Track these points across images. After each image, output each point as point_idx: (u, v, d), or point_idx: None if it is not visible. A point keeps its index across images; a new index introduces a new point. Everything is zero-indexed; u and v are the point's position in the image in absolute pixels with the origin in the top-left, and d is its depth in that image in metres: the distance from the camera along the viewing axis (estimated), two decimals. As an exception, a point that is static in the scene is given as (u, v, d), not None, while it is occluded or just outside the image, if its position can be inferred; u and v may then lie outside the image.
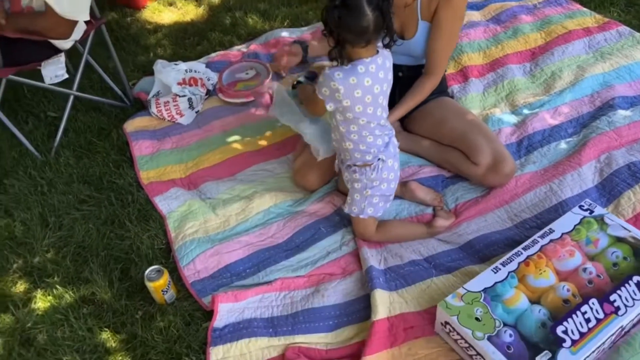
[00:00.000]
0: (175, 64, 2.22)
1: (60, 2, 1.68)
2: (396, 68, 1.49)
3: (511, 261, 1.41)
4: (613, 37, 2.33)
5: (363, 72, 1.34)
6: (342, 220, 1.69)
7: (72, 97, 2.05)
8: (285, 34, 2.58)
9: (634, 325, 1.32)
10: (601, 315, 1.27)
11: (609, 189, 1.70)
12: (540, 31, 2.41)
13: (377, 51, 1.37)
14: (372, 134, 1.44)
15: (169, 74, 2.11)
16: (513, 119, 2.01)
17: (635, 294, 1.30)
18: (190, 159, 1.97)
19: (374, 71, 1.36)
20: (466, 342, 1.28)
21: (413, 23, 1.65)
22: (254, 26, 2.71)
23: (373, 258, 1.55)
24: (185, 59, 2.48)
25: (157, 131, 2.09)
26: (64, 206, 1.81)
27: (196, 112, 2.14)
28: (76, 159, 1.98)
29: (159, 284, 1.46)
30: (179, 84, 2.11)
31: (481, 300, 1.33)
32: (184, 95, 2.08)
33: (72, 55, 1.99)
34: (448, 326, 1.32)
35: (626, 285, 1.32)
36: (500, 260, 1.41)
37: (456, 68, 2.25)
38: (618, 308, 1.28)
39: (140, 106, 2.24)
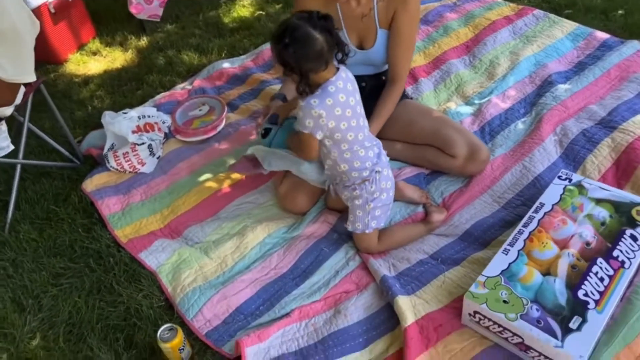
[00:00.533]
0: (125, 113, 2.11)
1: (3, 68, 1.54)
2: (359, 79, 1.52)
3: (517, 240, 1.47)
4: (531, 21, 2.53)
5: (334, 91, 1.37)
6: (341, 236, 1.68)
7: (19, 167, 1.88)
8: (226, 64, 2.55)
9: (635, 275, 1.42)
10: (611, 272, 1.36)
11: (572, 157, 1.84)
12: (467, 26, 2.57)
13: (337, 68, 1.40)
14: (362, 147, 1.46)
15: (121, 123, 2.00)
16: (469, 109, 2.12)
17: (633, 246, 1.41)
18: (165, 207, 1.88)
19: (343, 86, 1.39)
20: (500, 326, 1.31)
21: (372, 32, 1.70)
22: (191, 62, 2.65)
23: (382, 267, 1.55)
24: (129, 106, 2.37)
25: (119, 185, 1.97)
26: (38, 285, 1.64)
27: (157, 158, 2.04)
28: (38, 232, 1.81)
29: (175, 343, 1.36)
30: (134, 132, 2.01)
31: (502, 282, 1.37)
32: (143, 143, 1.98)
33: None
34: (477, 315, 1.35)
35: (622, 239, 1.43)
36: (507, 241, 1.47)
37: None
38: (623, 262, 1.37)
39: (93, 162, 2.10)
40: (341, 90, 1.38)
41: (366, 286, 1.54)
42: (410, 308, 1.42)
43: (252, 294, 1.55)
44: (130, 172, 1.99)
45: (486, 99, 2.13)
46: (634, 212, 1.49)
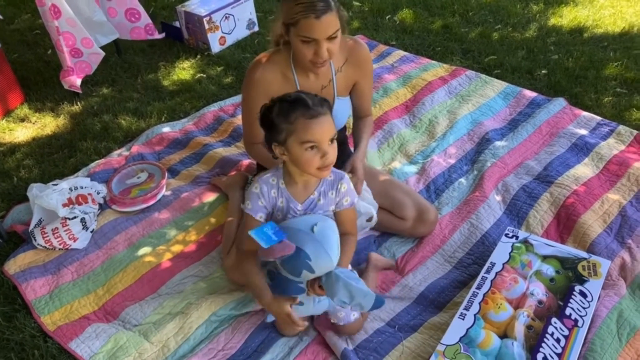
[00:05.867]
0: (54, 184, 1.96)
1: None
2: None
3: (472, 303, 1.45)
4: (464, 81, 2.65)
5: None
6: (293, 309, 1.59)
7: None
8: (166, 129, 2.47)
9: (588, 332, 1.42)
10: (566, 332, 1.35)
11: (515, 212, 1.88)
12: (405, 86, 2.65)
13: None
14: None
15: (50, 197, 1.86)
16: (413, 168, 2.14)
17: (583, 303, 1.42)
18: (100, 286, 1.72)
19: None
20: (463, 398, 1.26)
21: (330, 101, 1.70)
22: (129, 127, 2.55)
23: (341, 339, 1.47)
24: (60, 175, 2.22)
25: (48, 264, 1.80)
26: (-54, 389, 1.43)
27: (91, 232, 1.90)
28: (-51, 325, 1.60)
29: None
30: (64, 205, 1.86)
31: (462, 351, 1.33)
32: (75, 217, 1.83)
33: None
34: (440, 388, 1.29)
35: (572, 296, 1.44)
36: (463, 305, 1.45)
37: (348, 132, 2.35)
38: (576, 320, 1.38)
39: (18, 240, 1.92)
40: None
41: (323, 362, 1.45)
42: (370, 384, 1.35)
43: (199, 381, 1.42)
44: (60, 249, 1.83)
45: (429, 158, 2.17)
46: (580, 268, 1.52)
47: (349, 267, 1.40)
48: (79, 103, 2.75)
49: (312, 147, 1.24)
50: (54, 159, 2.37)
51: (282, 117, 1.24)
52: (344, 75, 1.68)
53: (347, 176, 1.40)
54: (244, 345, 1.50)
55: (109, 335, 1.53)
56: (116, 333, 1.53)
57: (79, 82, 2.62)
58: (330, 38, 1.45)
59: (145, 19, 2.90)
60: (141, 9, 2.88)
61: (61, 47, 2.52)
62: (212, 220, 1.95)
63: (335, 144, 1.28)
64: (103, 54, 2.65)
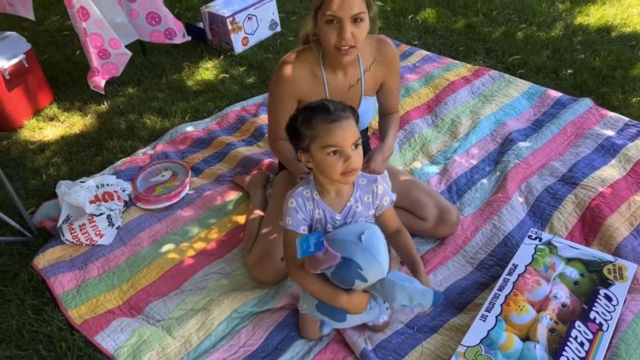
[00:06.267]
0: (82, 182, 2.01)
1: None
2: None
3: (493, 305, 1.44)
4: (488, 81, 2.63)
5: None
6: (314, 307, 1.60)
7: (-38, 244, 1.74)
8: (190, 128, 2.51)
9: (613, 337, 1.40)
10: (590, 336, 1.33)
11: (539, 214, 1.85)
12: (427, 86, 2.64)
13: None
14: None
15: (78, 193, 1.91)
16: (435, 168, 2.13)
17: (608, 307, 1.39)
18: (124, 281, 1.76)
19: None
20: (484, 400, 1.25)
21: (356, 101, 1.70)
22: (154, 126, 2.60)
23: (360, 339, 1.48)
24: (87, 173, 2.27)
25: (75, 259, 1.85)
26: (-22, 378, 1.48)
27: (116, 229, 1.94)
28: (-19, 316, 1.65)
29: None
30: (91, 202, 1.91)
31: (483, 352, 1.32)
32: (102, 213, 1.88)
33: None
34: (460, 389, 1.28)
35: (597, 300, 1.41)
36: (484, 307, 1.44)
37: (370, 132, 2.35)
38: (601, 324, 1.35)
39: (47, 236, 1.98)
40: None
41: (342, 361, 1.45)
42: (390, 384, 1.35)
43: (220, 376, 1.44)
44: (86, 244, 1.88)
45: (451, 158, 2.15)
46: (605, 271, 1.50)
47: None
48: (105, 102, 2.81)
49: (334, 152, 1.22)
50: (81, 157, 2.43)
51: (304, 124, 1.24)
52: (372, 75, 1.68)
53: (379, 178, 1.39)
54: (264, 342, 1.52)
55: (133, 330, 1.56)
56: (140, 327, 1.57)
57: (103, 83, 2.67)
58: (355, 21, 1.45)
59: (165, 23, 2.91)
60: (163, 13, 2.89)
61: (88, 48, 2.58)
62: (234, 218, 1.97)
63: (360, 149, 1.25)
64: (130, 54, 2.70)
